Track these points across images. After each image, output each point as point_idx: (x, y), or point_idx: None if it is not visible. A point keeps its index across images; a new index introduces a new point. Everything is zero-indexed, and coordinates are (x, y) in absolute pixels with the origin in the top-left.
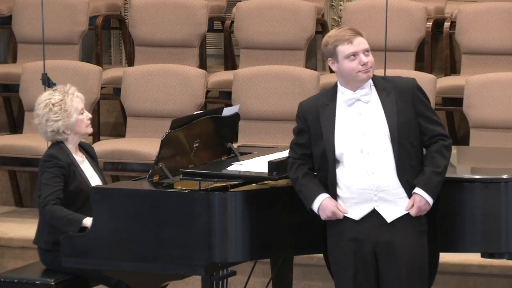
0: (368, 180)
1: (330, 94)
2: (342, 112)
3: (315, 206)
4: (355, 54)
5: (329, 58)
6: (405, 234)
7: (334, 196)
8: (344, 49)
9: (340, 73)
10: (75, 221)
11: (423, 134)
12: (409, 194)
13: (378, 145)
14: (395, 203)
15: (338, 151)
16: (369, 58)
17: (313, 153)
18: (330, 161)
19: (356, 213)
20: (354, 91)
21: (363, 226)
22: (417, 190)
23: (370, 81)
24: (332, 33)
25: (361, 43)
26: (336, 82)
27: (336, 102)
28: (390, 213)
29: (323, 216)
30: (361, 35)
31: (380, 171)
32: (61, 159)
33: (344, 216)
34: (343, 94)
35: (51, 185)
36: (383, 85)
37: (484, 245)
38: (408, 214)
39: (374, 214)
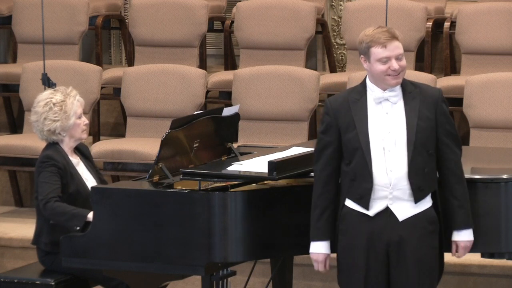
0: (385, 178)
1: (359, 90)
2: (371, 108)
3: (312, 249)
4: (387, 59)
5: (361, 56)
6: (416, 234)
7: (370, 186)
8: (377, 52)
9: (370, 73)
10: (79, 215)
11: (438, 148)
12: (418, 199)
13: (399, 145)
14: (408, 202)
15: (369, 145)
16: (401, 63)
17: (343, 146)
18: (365, 151)
19: (372, 209)
20: (384, 90)
21: (376, 223)
22: (456, 235)
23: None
24: (369, 32)
25: (395, 48)
26: (365, 78)
27: (367, 97)
28: (403, 212)
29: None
30: (397, 38)
31: (398, 170)
32: (58, 160)
33: (358, 212)
34: (372, 92)
35: (50, 183)
36: (410, 89)
37: (484, 245)
38: (420, 214)
39: (387, 212)
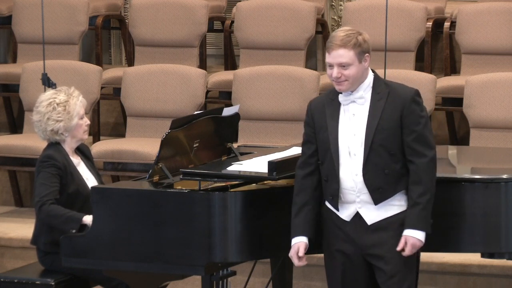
0: (351, 181)
1: (335, 90)
2: (342, 110)
3: (292, 243)
4: (330, 65)
5: None
6: (390, 236)
7: (337, 187)
8: (326, 56)
9: None
10: (75, 219)
11: (404, 150)
12: (378, 200)
13: (363, 148)
14: (377, 207)
15: (337, 146)
16: (345, 72)
17: (318, 145)
18: (333, 152)
19: (344, 213)
20: (351, 92)
21: (349, 228)
22: (405, 232)
23: (370, 82)
24: (332, 33)
25: (338, 56)
26: None
27: (339, 99)
28: (371, 216)
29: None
30: (343, 46)
31: (363, 173)
32: (58, 160)
33: (335, 215)
34: (341, 94)
35: (48, 185)
36: (380, 89)
37: (484, 245)
38: (390, 218)
39: (357, 217)
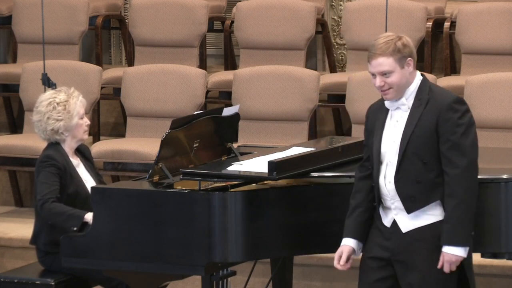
0: (385, 189)
1: None
2: (388, 116)
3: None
4: (373, 74)
5: None
6: (421, 247)
7: (377, 193)
8: (368, 66)
9: None
10: (76, 216)
11: (440, 159)
12: (411, 209)
13: (398, 155)
14: (411, 215)
15: (379, 152)
16: (388, 80)
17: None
18: (375, 158)
19: (386, 219)
20: (398, 98)
21: (389, 233)
22: (442, 248)
23: (416, 88)
24: (372, 42)
25: (378, 65)
26: None
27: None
28: (406, 224)
29: None
30: (382, 54)
31: (395, 181)
32: (58, 160)
33: (381, 221)
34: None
35: (49, 184)
36: (421, 95)
37: (484, 245)
38: (425, 227)
39: (394, 223)
